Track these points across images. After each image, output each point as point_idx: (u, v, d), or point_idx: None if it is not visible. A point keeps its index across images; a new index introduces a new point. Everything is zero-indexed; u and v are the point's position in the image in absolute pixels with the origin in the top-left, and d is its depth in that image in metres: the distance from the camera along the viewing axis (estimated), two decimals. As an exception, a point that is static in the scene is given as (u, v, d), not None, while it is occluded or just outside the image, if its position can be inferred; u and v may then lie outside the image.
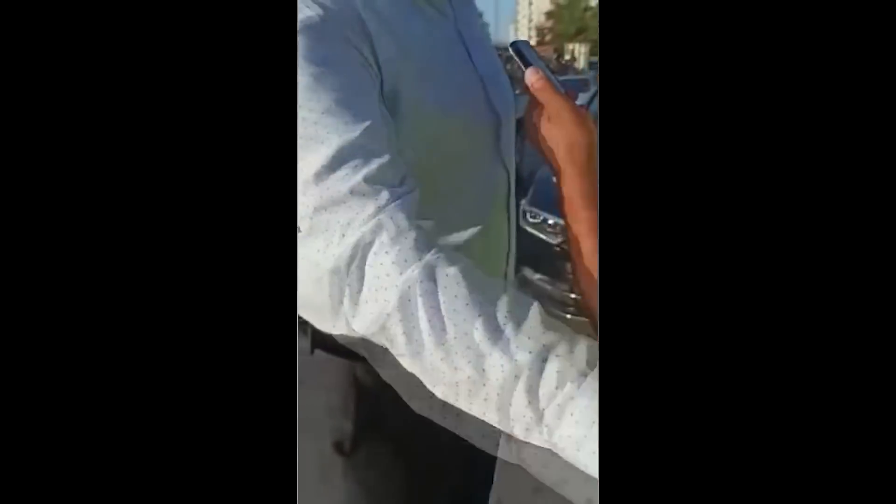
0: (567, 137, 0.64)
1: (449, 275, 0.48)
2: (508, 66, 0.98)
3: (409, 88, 0.65)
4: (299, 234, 0.55)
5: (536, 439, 0.44)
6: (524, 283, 2.87)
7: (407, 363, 0.49)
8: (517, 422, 0.44)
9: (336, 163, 0.53)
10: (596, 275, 0.57)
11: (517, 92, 0.85)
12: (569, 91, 0.68)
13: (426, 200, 0.67)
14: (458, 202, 0.73)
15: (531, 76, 0.68)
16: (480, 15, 0.98)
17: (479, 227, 0.75)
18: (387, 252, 0.49)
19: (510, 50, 0.72)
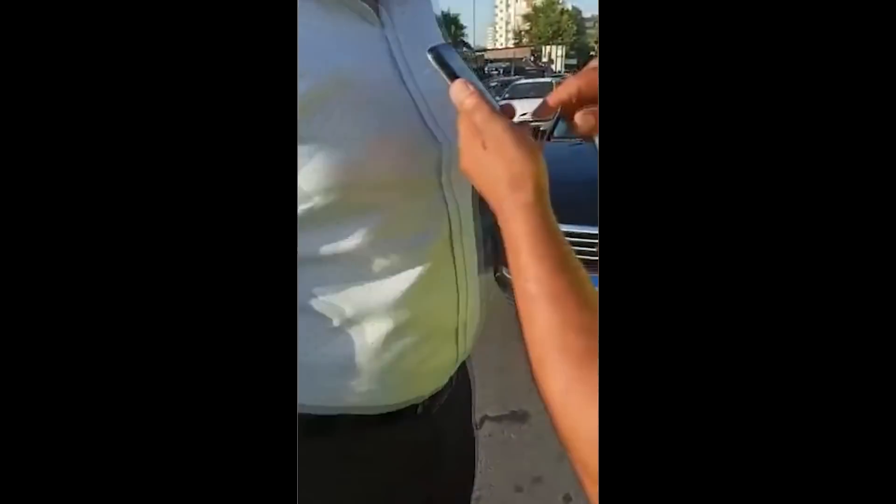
0: (510, 169, 0.50)
1: None
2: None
3: (322, 114, 0.57)
4: None
5: None
6: (504, 284, 2.87)
7: None
8: None
9: None
10: (547, 352, 0.45)
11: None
12: (506, 107, 0.55)
13: (352, 242, 0.60)
14: (387, 246, 0.62)
15: (459, 91, 0.53)
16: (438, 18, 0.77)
17: (416, 276, 0.64)
18: None
19: (429, 57, 0.56)
